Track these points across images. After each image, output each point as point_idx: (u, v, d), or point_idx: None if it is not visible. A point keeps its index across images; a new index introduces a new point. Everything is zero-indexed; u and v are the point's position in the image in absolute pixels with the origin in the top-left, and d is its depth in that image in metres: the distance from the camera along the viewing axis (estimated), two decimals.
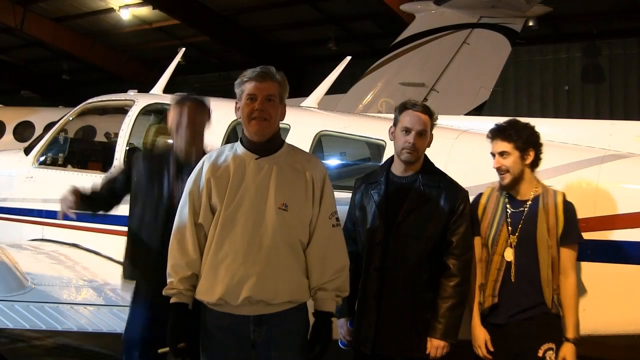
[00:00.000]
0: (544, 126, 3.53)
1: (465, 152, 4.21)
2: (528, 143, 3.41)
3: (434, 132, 3.50)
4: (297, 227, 2.97)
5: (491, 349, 3.39)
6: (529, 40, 14.12)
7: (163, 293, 3.03)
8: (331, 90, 6.25)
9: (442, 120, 4.46)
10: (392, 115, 3.57)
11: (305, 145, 4.54)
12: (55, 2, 16.97)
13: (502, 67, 10.56)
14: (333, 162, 5.90)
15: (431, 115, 3.47)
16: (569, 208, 3.37)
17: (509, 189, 3.46)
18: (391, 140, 3.52)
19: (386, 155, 4.04)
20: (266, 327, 2.95)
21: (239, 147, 3.04)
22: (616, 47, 15.53)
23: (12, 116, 14.42)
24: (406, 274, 3.37)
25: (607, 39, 15.44)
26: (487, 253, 3.45)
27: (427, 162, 3.52)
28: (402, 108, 3.48)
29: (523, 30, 10.80)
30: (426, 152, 3.51)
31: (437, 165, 3.57)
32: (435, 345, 3.33)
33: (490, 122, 4.76)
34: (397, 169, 3.51)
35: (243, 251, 2.89)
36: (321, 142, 5.19)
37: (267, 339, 2.96)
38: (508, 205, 3.45)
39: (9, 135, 14.05)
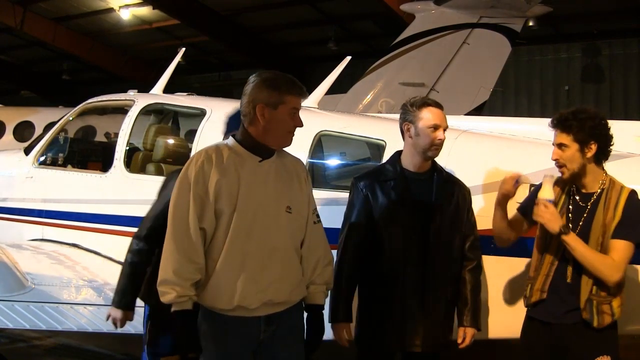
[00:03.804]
0: (544, 126, 3.52)
1: (465, 152, 4.20)
2: (591, 135, 3.12)
3: None
4: (300, 228, 3.00)
5: None
6: (529, 40, 14.12)
7: (166, 301, 2.81)
8: (331, 90, 6.23)
9: None
10: (392, 115, 3.55)
11: (305, 145, 4.54)
12: (55, 2, 16.96)
13: (502, 67, 10.55)
14: (333, 162, 5.89)
15: None
16: (632, 205, 3.11)
17: (569, 183, 3.26)
18: (410, 137, 3.43)
19: (386, 155, 4.01)
20: (274, 326, 2.95)
21: (236, 147, 2.93)
22: (616, 47, 15.55)
23: (12, 116, 14.39)
24: (446, 269, 3.43)
25: (607, 39, 15.46)
26: (544, 246, 3.27)
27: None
28: (422, 104, 3.41)
29: (523, 30, 10.80)
30: None
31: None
32: (471, 333, 3.44)
33: (490, 122, 4.79)
34: (413, 165, 3.46)
35: (260, 256, 2.86)
36: (321, 142, 5.18)
37: (272, 336, 2.96)
38: (577, 197, 3.22)
39: (9, 135, 14.04)
